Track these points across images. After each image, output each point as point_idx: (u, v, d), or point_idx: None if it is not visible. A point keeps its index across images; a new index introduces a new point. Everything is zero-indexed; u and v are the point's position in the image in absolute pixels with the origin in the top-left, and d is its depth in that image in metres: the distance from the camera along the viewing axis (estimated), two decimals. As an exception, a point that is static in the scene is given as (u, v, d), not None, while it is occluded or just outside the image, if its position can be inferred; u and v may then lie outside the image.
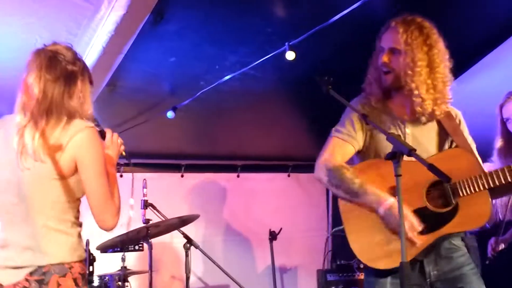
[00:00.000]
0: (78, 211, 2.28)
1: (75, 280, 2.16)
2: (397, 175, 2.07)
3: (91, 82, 2.41)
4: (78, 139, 2.20)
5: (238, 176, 5.90)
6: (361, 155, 2.73)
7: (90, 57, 3.56)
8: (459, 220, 2.41)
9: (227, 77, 4.18)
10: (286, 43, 3.79)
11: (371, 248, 2.53)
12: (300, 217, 6.02)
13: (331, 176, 2.62)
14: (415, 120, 2.60)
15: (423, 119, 2.58)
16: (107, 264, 4.32)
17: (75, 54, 2.34)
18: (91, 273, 3.57)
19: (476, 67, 4.45)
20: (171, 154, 5.55)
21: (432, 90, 2.54)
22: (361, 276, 5.26)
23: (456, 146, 2.59)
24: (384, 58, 2.63)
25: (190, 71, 4.23)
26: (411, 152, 2.06)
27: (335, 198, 6.02)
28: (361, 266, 5.31)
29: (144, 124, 4.66)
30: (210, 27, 3.77)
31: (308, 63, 4.02)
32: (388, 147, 2.30)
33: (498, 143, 3.57)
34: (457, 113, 2.70)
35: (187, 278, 3.99)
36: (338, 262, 5.49)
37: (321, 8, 3.69)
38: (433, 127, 2.63)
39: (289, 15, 3.84)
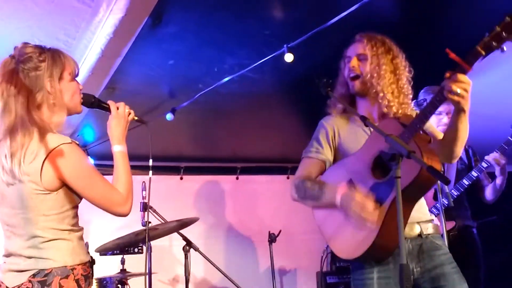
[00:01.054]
0: (75, 217, 2.26)
1: (77, 281, 2.17)
2: (397, 177, 2.06)
3: (70, 74, 2.30)
4: (55, 156, 2.13)
5: (237, 178, 5.90)
6: None
7: (88, 60, 3.56)
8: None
9: (226, 79, 4.18)
10: (285, 45, 3.78)
11: (346, 243, 2.58)
12: (299, 219, 5.99)
13: (297, 190, 2.77)
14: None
15: None
16: (106, 267, 4.32)
17: (39, 54, 2.23)
18: (91, 276, 3.55)
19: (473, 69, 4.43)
20: (170, 157, 5.54)
21: (397, 93, 2.67)
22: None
23: None
24: (353, 63, 2.76)
25: (189, 74, 4.22)
26: (410, 153, 2.06)
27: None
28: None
29: (143, 127, 4.64)
30: (208, 29, 3.77)
31: (306, 65, 4.02)
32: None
33: None
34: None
35: (187, 281, 3.98)
36: (338, 264, 5.50)
37: (319, 10, 3.69)
38: None
39: (287, 17, 3.83)
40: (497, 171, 3.84)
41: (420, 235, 2.59)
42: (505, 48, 2.19)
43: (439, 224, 2.74)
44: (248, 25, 3.79)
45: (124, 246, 3.93)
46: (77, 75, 2.38)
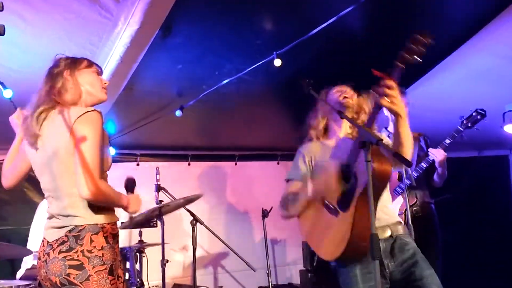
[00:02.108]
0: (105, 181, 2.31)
1: (106, 237, 2.17)
2: (367, 161, 2.07)
3: (93, 69, 2.42)
4: (78, 120, 2.17)
5: (236, 164, 5.90)
6: None
7: (109, 66, 3.54)
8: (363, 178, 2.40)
9: (225, 81, 4.17)
10: (274, 52, 3.78)
11: (328, 247, 2.57)
12: (288, 197, 6.02)
13: (281, 206, 2.83)
14: None
15: None
16: (127, 238, 4.32)
17: (59, 59, 2.39)
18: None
19: (439, 67, 4.43)
20: (179, 146, 5.54)
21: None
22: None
23: None
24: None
25: (194, 76, 4.21)
26: (379, 141, 2.06)
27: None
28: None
29: (156, 121, 4.64)
30: (210, 39, 3.76)
31: (292, 69, 4.01)
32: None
33: None
34: None
35: (194, 249, 4.00)
36: (320, 235, 5.50)
37: (303, 22, 3.69)
38: None
39: (276, 29, 3.83)
40: (436, 163, 3.82)
41: (391, 236, 2.60)
42: (420, 60, 2.20)
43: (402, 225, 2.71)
44: (244, 36, 3.79)
45: (142, 221, 3.94)
46: (100, 73, 2.46)
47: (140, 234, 4.20)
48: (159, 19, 3.18)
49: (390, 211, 2.72)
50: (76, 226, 2.16)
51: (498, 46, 4.13)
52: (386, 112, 3.44)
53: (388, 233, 2.60)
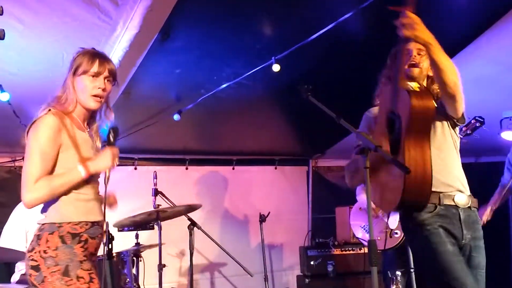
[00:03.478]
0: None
1: (62, 237, 2.13)
2: (366, 168, 2.06)
3: (85, 72, 2.25)
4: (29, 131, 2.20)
5: (233, 168, 5.88)
6: None
7: (108, 69, 3.53)
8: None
9: (224, 86, 4.16)
10: (273, 57, 3.78)
11: (387, 200, 2.46)
12: (285, 202, 6.01)
13: (348, 176, 2.72)
14: None
15: None
16: (123, 242, 4.29)
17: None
18: (110, 250, 3.54)
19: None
20: (177, 150, 5.53)
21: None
22: (336, 251, 5.28)
23: None
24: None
25: (193, 81, 4.20)
26: (377, 147, 2.06)
27: (314, 187, 6.05)
28: (336, 243, 5.34)
29: (154, 125, 4.63)
30: (209, 44, 3.75)
31: (291, 74, 4.01)
32: None
33: None
34: None
35: (191, 254, 3.98)
36: (317, 240, 5.50)
37: (302, 28, 3.69)
38: None
39: (275, 34, 3.83)
40: None
41: (469, 207, 2.47)
42: None
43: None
44: (242, 41, 3.79)
45: (138, 224, 3.92)
46: (97, 74, 2.26)
47: (137, 236, 4.17)
48: (158, 24, 3.17)
49: (465, 182, 2.54)
50: (41, 224, 2.16)
51: (495, 53, 4.14)
52: None
53: (467, 202, 2.46)
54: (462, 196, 2.45)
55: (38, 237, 2.11)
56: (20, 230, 4.03)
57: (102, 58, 2.30)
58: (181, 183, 5.41)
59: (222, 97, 4.33)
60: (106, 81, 2.29)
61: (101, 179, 2.37)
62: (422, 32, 2.22)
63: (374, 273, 1.98)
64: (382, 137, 2.47)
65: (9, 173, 4.93)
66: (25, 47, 3.23)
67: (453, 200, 2.42)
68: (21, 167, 4.76)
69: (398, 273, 3.46)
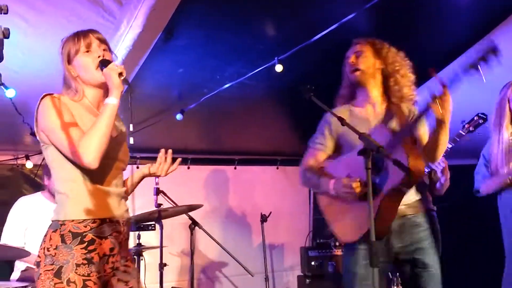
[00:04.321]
0: (73, 170, 2.03)
1: (62, 236, 1.97)
2: (367, 168, 2.07)
3: (77, 51, 2.12)
4: (36, 112, 2.07)
5: (235, 168, 5.89)
6: (337, 154, 2.78)
7: (111, 68, 3.54)
8: (394, 177, 2.39)
9: (227, 86, 4.17)
10: (276, 58, 3.79)
11: (347, 228, 2.56)
12: (287, 203, 6.01)
13: (302, 177, 2.78)
14: None
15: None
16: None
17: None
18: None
19: (441, 75, 4.42)
20: (179, 149, 5.51)
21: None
22: (337, 252, 5.27)
23: None
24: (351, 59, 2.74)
25: (195, 80, 4.21)
26: (379, 148, 2.06)
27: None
28: (337, 244, 5.34)
29: (157, 124, 4.64)
30: (212, 43, 3.76)
31: (293, 75, 4.01)
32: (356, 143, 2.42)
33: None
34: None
35: (192, 253, 3.99)
36: (318, 241, 5.50)
37: (305, 28, 3.70)
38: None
39: (278, 34, 3.84)
40: (438, 172, 3.77)
41: (402, 216, 2.55)
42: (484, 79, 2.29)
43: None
44: (245, 41, 3.79)
45: (139, 223, 3.93)
46: (88, 47, 2.11)
47: (139, 237, 4.19)
48: (161, 23, 3.18)
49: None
50: (51, 221, 2.05)
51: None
52: None
53: (399, 212, 2.54)
54: None
55: (45, 233, 2.02)
56: (19, 227, 4.06)
57: (84, 32, 2.16)
58: (183, 182, 5.42)
59: (224, 96, 4.34)
60: (102, 49, 2.13)
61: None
62: (448, 112, 2.35)
63: (375, 275, 1.98)
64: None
65: (11, 171, 4.93)
66: (29, 45, 3.25)
67: None
68: (23, 165, 4.81)
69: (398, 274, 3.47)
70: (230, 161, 5.86)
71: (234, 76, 4.12)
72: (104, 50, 2.14)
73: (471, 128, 3.73)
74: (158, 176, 2.34)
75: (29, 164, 4.77)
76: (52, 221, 2.03)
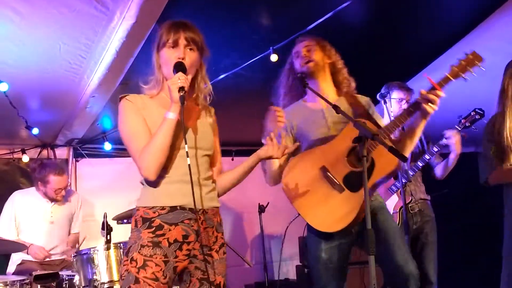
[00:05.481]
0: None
1: (135, 221, 2.10)
2: (363, 156, 2.07)
3: (164, 44, 2.14)
4: None
5: (232, 159, 5.89)
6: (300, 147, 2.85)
7: (105, 60, 3.54)
8: (377, 169, 2.51)
9: (222, 77, 4.17)
10: (271, 48, 3.79)
11: (327, 219, 2.59)
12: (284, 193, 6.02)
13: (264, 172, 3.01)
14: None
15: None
16: (122, 234, 4.31)
17: None
18: (109, 241, 3.56)
19: (436, 63, 4.44)
20: (176, 142, 5.53)
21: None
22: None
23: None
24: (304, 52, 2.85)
25: (191, 72, 4.20)
26: (375, 136, 2.07)
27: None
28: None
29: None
30: (206, 34, 3.71)
31: (289, 64, 4.00)
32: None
33: None
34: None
35: (190, 245, 3.99)
36: (317, 230, 5.51)
37: (300, 18, 3.69)
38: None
39: (273, 24, 3.83)
40: (451, 146, 3.71)
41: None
42: (467, 78, 2.48)
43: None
44: (240, 31, 3.79)
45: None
46: (174, 44, 2.13)
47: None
48: (155, 13, 3.17)
49: None
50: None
51: (495, 42, 4.14)
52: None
53: None
54: None
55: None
56: (11, 220, 4.09)
57: (177, 25, 2.16)
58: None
59: (220, 87, 4.32)
60: (188, 49, 2.13)
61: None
62: (433, 110, 2.48)
63: (371, 262, 1.99)
64: (340, 156, 2.60)
65: (7, 165, 4.94)
66: (22, 38, 3.23)
67: None
68: (19, 159, 4.80)
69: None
70: (227, 152, 5.86)
71: (229, 67, 4.11)
72: (190, 49, 2.15)
73: (467, 124, 3.72)
74: (274, 158, 2.40)
75: (25, 158, 4.77)
76: (136, 206, 2.14)
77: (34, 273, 3.28)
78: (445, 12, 3.97)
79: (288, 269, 5.96)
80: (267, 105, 5.06)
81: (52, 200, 4.18)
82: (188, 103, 2.18)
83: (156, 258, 2.00)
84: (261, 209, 5.05)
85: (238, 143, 5.85)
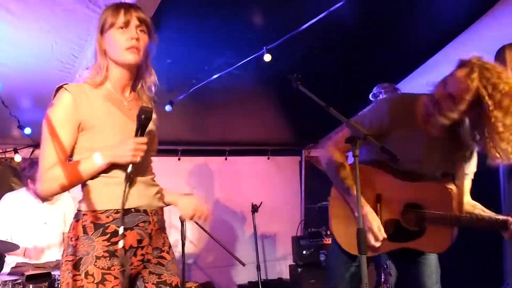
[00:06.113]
0: None
1: (84, 227, 1.87)
2: (355, 156, 2.07)
3: (111, 25, 1.98)
4: None
5: (226, 159, 5.90)
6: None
7: (98, 59, 3.52)
8: (423, 241, 2.43)
9: (215, 76, 4.17)
10: (264, 47, 3.79)
11: (347, 236, 2.53)
12: (278, 193, 6.04)
13: (329, 168, 2.66)
14: None
15: None
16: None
17: None
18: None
19: (431, 62, 4.46)
20: (169, 141, 5.51)
21: None
22: (328, 241, 5.30)
23: None
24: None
25: (184, 71, 4.20)
26: (366, 136, 2.07)
27: (307, 177, 6.06)
28: (328, 233, 5.37)
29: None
30: (200, 33, 3.75)
31: (282, 64, 4.01)
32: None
33: None
34: None
35: (183, 244, 4.00)
36: (309, 230, 5.53)
37: (293, 17, 3.69)
38: None
39: (266, 24, 3.83)
40: None
41: None
42: None
43: None
44: (234, 30, 3.78)
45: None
46: (126, 24, 1.96)
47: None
48: (148, 13, 3.13)
49: None
50: (77, 210, 1.95)
51: (487, 42, 4.15)
52: None
53: None
54: None
55: (71, 224, 1.93)
56: (4, 223, 4.06)
57: (127, 6, 1.99)
58: (173, 173, 5.42)
59: (213, 87, 4.33)
60: (138, 31, 1.97)
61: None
62: None
63: (363, 262, 2.00)
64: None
65: (0, 164, 4.92)
66: (14, 37, 3.22)
67: None
68: (12, 158, 4.78)
69: (389, 261, 3.49)
70: (220, 152, 5.87)
71: (222, 67, 4.10)
72: (141, 31, 1.99)
73: None
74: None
75: (17, 158, 4.74)
76: (76, 210, 1.94)
77: (26, 273, 3.27)
78: (438, 12, 3.99)
79: (282, 268, 5.96)
80: (260, 105, 5.10)
81: (43, 199, 4.17)
82: (133, 95, 2.07)
83: (114, 270, 1.83)
84: (254, 208, 5.05)
85: (231, 142, 5.85)
